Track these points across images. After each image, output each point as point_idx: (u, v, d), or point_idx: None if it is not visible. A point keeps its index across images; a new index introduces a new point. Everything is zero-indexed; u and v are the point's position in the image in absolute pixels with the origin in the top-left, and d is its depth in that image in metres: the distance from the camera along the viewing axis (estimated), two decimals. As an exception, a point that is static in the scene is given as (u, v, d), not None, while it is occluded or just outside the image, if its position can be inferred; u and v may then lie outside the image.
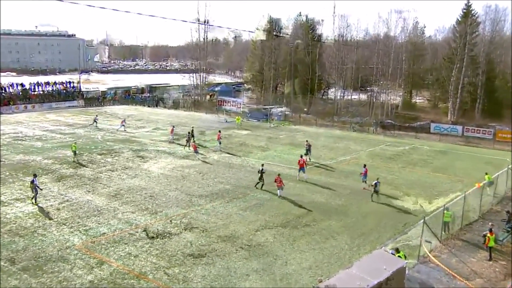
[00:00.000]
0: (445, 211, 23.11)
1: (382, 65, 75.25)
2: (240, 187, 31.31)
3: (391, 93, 76.84)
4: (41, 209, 25.77)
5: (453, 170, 38.35)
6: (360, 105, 78.22)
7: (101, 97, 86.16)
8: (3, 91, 72.98)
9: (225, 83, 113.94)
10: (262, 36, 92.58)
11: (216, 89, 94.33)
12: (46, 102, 74.82)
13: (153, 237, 22.20)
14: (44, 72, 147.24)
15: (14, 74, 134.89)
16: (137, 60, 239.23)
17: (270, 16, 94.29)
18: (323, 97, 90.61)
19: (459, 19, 70.18)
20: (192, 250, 20.87)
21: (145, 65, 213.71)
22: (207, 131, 53.93)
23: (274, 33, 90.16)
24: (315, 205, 27.90)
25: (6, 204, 26.54)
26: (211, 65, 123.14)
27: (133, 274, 18.55)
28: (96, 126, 55.89)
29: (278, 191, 29.30)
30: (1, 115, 61.87)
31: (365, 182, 31.30)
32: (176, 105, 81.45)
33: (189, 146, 43.06)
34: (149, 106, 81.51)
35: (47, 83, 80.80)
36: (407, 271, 16.99)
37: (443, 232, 23.18)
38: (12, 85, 77.04)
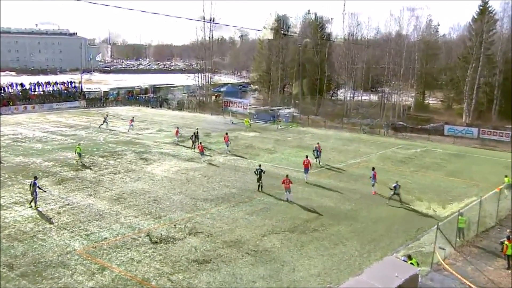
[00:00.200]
0: (459, 217, 22.98)
1: (394, 65, 75.00)
2: (247, 190, 31.33)
3: (403, 94, 76.61)
4: (41, 213, 25.89)
5: (468, 174, 38.17)
6: (371, 106, 78.11)
7: (104, 97, 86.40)
8: (2, 91, 73.28)
9: (231, 83, 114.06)
10: (269, 35, 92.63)
11: (222, 89, 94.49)
12: (46, 103, 75.10)
13: (156, 242, 22.23)
14: (44, 72, 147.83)
15: (13, 73, 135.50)
16: (140, 59, 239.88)
17: (278, 14, 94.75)
18: (332, 98, 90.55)
19: (475, 17, 70.04)
20: (197, 256, 20.88)
21: (149, 65, 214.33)
22: (212, 133, 54.03)
23: (282, 31, 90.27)
24: (323, 209, 27.86)
25: (5, 207, 26.65)
26: (216, 65, 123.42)
27: (135, 280, 18.59)
28: (107, 126, 56.11)
29: (286, 193, 29.29)
30: (0, 116, 62.23)
31: (374, 186, 31.27)
32: (180, 106, 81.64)
33: (194, 147, 43.24)
34: (152, 107, 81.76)
35: (48, 83, 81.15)
36: (420, 279, 16.93)
37: (457, 239, 23.02)
38: (11, 85, 77.41)
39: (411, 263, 17.54)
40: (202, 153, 40.40)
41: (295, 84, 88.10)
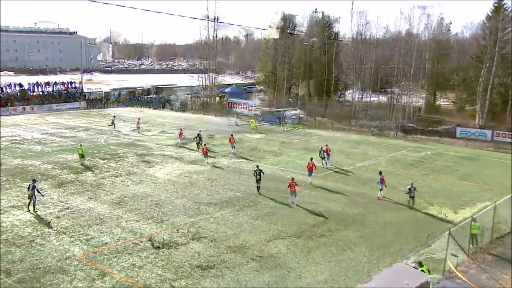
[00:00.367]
0: (472, 223, 22.81)
1: (404, 65, 74.85)
2: (251, 194, 31.30)
3: (413, 95, 76.49)
4: (39, 217, 25.94)
5: (481, 178, 37.97)
6: (380, 107, 77.89)
7: (105, 98, 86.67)
8: (1, 92, 73.82)
9: (236, 84, 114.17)
10: (275, 34, 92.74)
11: (226, 90, 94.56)
12: (45, 104, 75.57)
13: (158, 247, 22.22)
14: (43, 72, 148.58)
15: (12, 73, 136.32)
16: (142, 59, 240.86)
17: (284, 13, 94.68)
18: (340, 99, 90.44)
19: (489, 14, 69.84)
20: (200, 261, 20.86)
21: (151, 65, 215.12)
22: (216, 135, 54.10)
23: (288, 31, 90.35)
24: (331, 214, 27.79)
25: (2, 211, 26.68)
26: (221, 65, 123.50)
27: (137, 286, 18.58)
28: (114, 127, 56.87)
29: (292, 197, 29.27)
30: (-1, 117, 62.55)
31: (382, 190, 31.17)
32: (183, 107, 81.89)
33: (199, 149, 43.34)
34: (155, 108, 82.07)
35: (47, 83, 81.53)
36: (431, 287, 16.81)
37: (470, 245, 22.85)
38: (9, 85, 77.87)
39: (422, 270, 17.43)
40: (206, 155, 40.42)
41: (302, 84, 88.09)
